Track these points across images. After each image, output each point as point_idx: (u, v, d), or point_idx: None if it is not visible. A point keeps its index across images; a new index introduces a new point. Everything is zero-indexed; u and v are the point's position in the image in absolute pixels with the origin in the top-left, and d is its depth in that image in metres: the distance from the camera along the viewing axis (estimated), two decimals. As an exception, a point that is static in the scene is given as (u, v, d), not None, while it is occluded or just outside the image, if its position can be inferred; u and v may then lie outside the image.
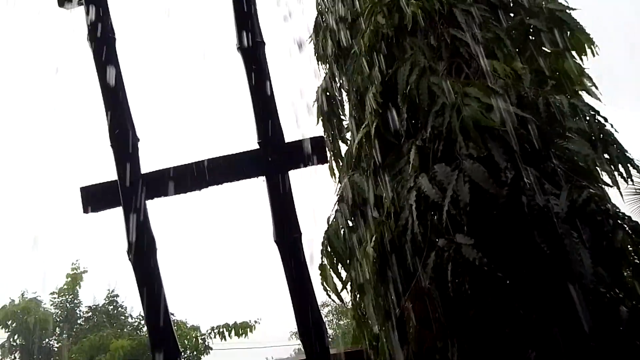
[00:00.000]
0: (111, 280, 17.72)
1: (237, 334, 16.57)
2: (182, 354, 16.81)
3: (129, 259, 2.18)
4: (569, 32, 2.99)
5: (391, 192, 2.48)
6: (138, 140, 2.23)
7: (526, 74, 2.66)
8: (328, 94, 3.73)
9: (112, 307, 17.34)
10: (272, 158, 2.09)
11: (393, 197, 2.46)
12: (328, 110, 3.72)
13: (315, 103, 3.75)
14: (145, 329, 16.92)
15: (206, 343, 16.70)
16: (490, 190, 2.09)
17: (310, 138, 2.24)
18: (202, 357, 16.82)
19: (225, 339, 16.63)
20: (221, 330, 16.28)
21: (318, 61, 3.68)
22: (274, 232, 2.08)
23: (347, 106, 3.62)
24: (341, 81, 3.53)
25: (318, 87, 3.74)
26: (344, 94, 3.63)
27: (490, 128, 2.25)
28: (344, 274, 3.22)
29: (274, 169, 2.08)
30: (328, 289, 3.12)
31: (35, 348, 14.98)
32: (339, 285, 3.17)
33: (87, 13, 2.20)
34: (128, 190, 2.16)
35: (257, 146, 2.16)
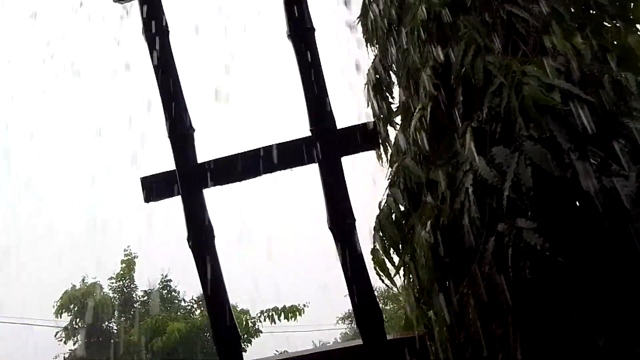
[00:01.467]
0: (164, 265, 18.38)
1: (287, 318, 16.90)
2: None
3: (189, 246, 2.26)
4: (632, 4, 2.81)
5: (446, 176, 2.43)
6: (193, 130, 2.28)
7: (587, 50, 2.52)
8: (377, 76, 3.67)
9: (165, 291, 18.04)
10: (324, 145, 2.09)
11: (448, 181, 2.40)
12: (378, 93, 3.67)
13: (365, 86, 3.70)
14: (197, 312, 17.57)
15: (256, 326, 17.13)
16: (553, 173, 2.01)
17: (362, 124, 2.23)
18: (252, 339, 17.27)
19: (274, 322, 16.98)
20: (271, 313, 16.64)
21: (367, 42, 3.62)
22: (328, 218, 2.09)
23: (396, 88, 3.57)
24: (391, 63, 3.46)
25: (368, 69, 3.69)
26: (394, 76, 3.58)
27: (551, 108, 2.15)
28: (396, 259, 3.21)
29: (326, 156, 2.09)
30: (381, 273, 3.11)
31: (97, 330, 15.80)
32: (392, 270, 3.16)
33: (141, 8, 2.25)
34: (186, 179, 2.22)
35: (309, 133, 2.17)
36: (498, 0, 2.55)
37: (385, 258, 3.12)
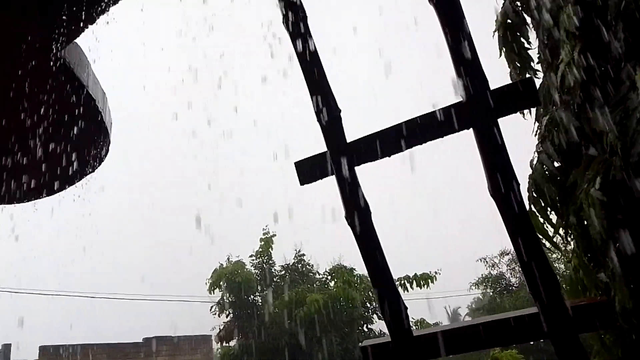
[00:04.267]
0: (297, 241, 19.36)
1: (419, 285, 16.89)
2: (369, 305, 17.81)
3: (348, 224, 2.31)
4: None
5: (615, 124, 2.19)
6: (340, 111, 2.32)
7: None
8: (510, 21, 3.41)
9: (300, 265, 19.00)
10: (479, 108, 1.99)
11: (618, 130, 2.17)
12: (511, 40, 3.41)
13: (495, 32, 3.45)
14: (332, 283, 18.27)
15: (390, 294, 17.37)
16: None
17: (517, 81, 2.08)
18: (387, 307, 17.55)
19: (407, 290, 17.07)
20: (403, 282, 16.74)
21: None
22: (489, 185, 2.00)
23: (533, 34, 3.28)
24: (524, 4, 3.18)
25: (497, 16, 3.44)
26: (528, 20, 3.30)
27: None
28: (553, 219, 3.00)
29: (482, 120, 1.99)
30: (540, 236, 2.93)
31: (244, 304, 17.18)
32: (551, 231, 2.97)
33: (279, -2, 2.31)
34: (338, 159, 2.27)
35: (460, 99, 2.08)
36: None
37: (543, 219, 2.94)
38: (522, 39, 3.59)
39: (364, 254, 2.27)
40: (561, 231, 2.99)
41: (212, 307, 17.59)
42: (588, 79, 2.54)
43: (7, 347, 26.35)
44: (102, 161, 4.32)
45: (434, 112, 2.06)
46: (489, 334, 2.03)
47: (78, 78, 3.39)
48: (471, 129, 1.96)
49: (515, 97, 1.92)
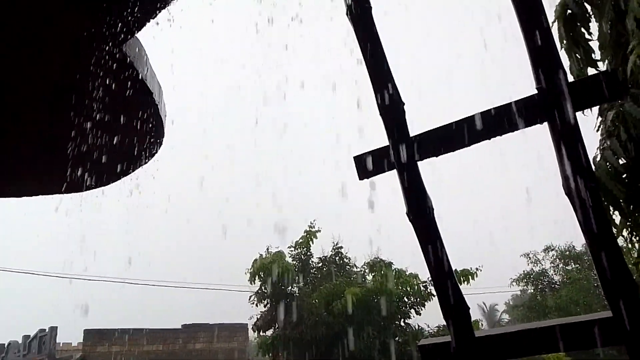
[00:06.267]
0: (335, 234, 19.40)
1: (459, 281, 16.63)
2: (406, 300, 17.67)
3: (410, 220, 2.28)
4: None
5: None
6: (403, 104, 2.28)
7: None
8: (570, 11, 3.27)
9: (337, 257, 19.02)
10: (555, 101, 1.91)
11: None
12: (572, 32, 3.27)
13: (554, 23, 3.32)
14: (369, 277, 18.22)
15: (428, 290, 17.20)
16: None
17: (600, 72, 1.99)
18: (425, 303, 17.40)
19: (445, 286, 16.81)
20: (442, 277, 16.50)
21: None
22: (563, 182, 1.92)
23: (595, 24, 3.14)
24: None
25: (556, 6, 3.30)
26: (589, 8, 3.15)
27: None
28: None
29: (559, 112, 1.91)
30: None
31: (282, 294, 17.34)
32: (615, 231, 2.85)
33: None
34: (400, 153, 2.23)
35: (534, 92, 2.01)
36: None
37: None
38: (583, 30, 3.45)
39: (425, 251, 2.23)
40: (625, 232, 2.88)
41: (250, 296, 17.86)
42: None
43: (54, 329, 27.73)
44: (156, 153, 4.43)
45: (505, 105, 2.00)
46: (557, 338, 1.97)
47: (137, 71, 3.47)
48: (545, 124, 1.90)
49: (598, 90, 1.83)
